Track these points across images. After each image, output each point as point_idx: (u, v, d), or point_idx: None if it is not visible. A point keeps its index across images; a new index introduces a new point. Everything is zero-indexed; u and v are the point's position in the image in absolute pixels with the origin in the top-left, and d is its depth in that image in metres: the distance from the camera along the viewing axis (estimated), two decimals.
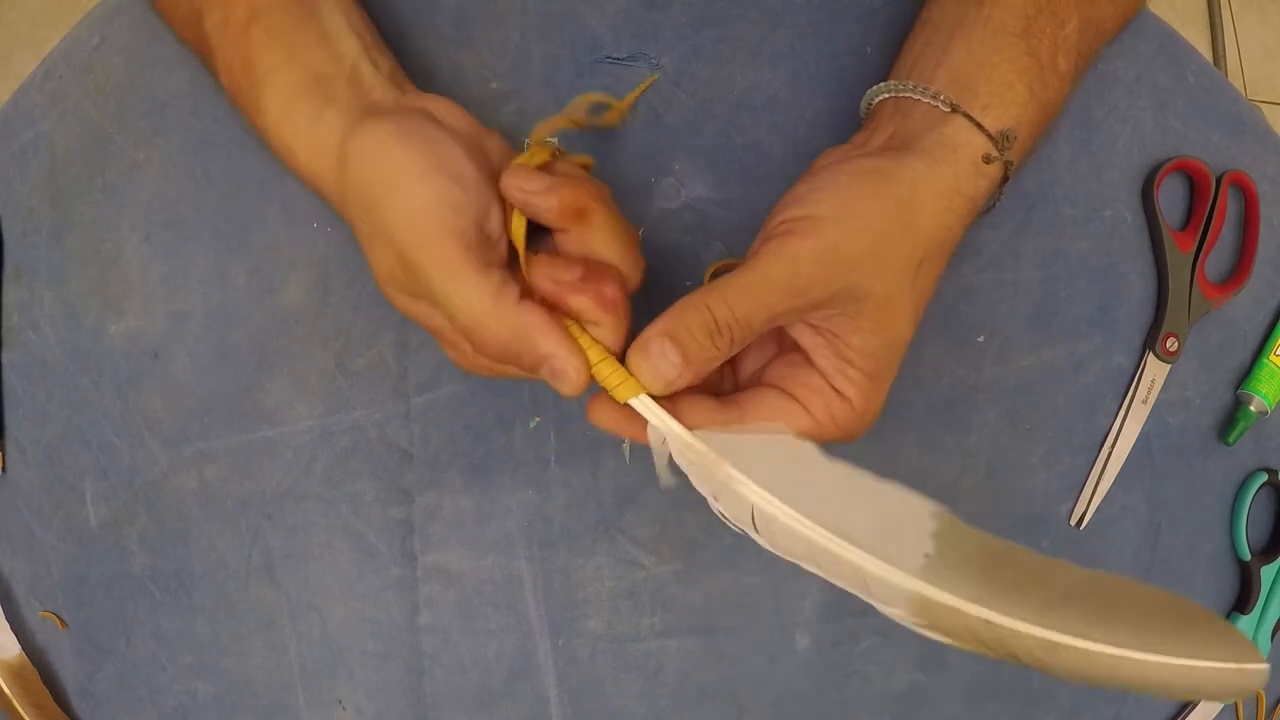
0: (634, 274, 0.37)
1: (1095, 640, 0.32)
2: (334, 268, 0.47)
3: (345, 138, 0.36)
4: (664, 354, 0.34)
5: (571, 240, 0.36)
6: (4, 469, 0.48)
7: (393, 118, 0.36)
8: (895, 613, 0.34)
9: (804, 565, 0.35)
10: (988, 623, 0.33)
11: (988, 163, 0.38)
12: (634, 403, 0.35)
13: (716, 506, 0.36)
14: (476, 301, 0.34)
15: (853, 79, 0.48)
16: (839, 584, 0.34)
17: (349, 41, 0.40)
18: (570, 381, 0.34)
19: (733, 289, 0.35)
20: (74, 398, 0.48)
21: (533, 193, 0.35)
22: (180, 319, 0.47)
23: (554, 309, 0.35)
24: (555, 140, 0.40)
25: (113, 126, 0.48)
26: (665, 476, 0.36)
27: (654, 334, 0.34)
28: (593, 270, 0.35)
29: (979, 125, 0.38)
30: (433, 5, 0.48)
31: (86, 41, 0.49)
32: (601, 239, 0.36)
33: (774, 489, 0.34)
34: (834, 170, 0.37)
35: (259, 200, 0.47)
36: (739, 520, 0.35)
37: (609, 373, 0.35)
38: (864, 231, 0.35)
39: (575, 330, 0.35)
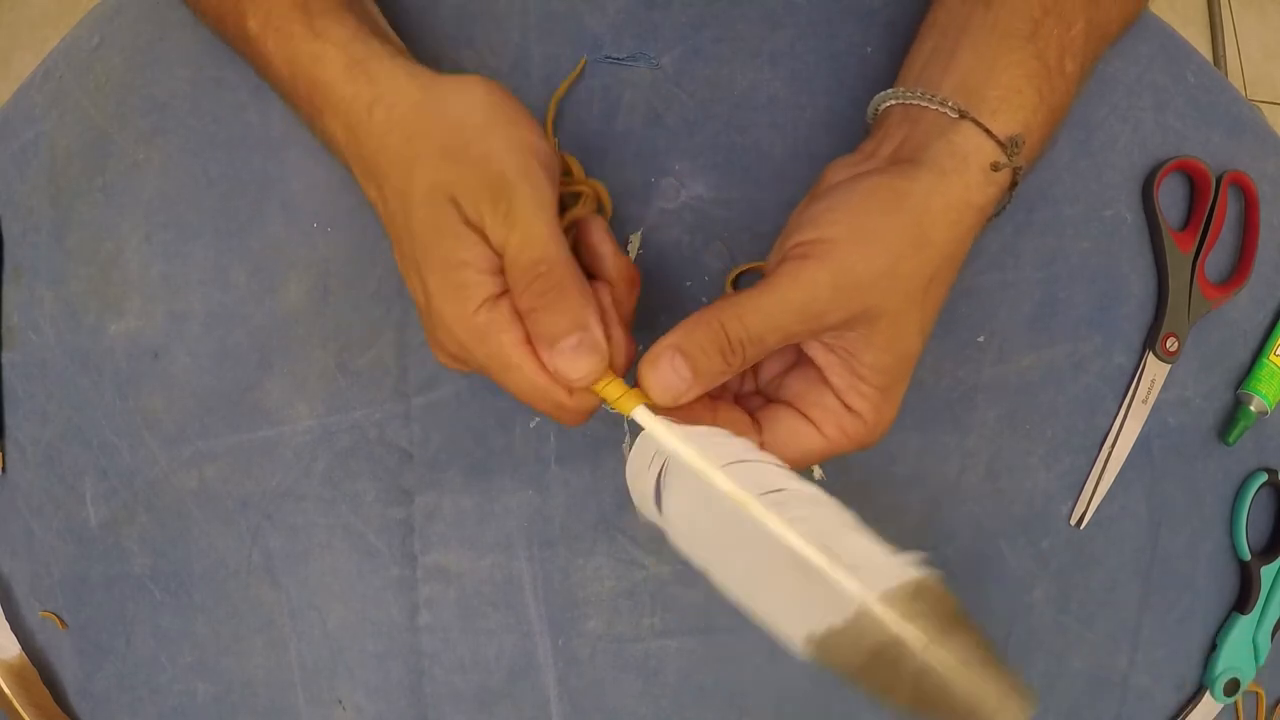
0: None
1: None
2: (334, 268, 0.47)
3: (441, 76, 0.38)
4: (674, 368, 0.35)
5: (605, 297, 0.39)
6: (4, 469, 0.48)
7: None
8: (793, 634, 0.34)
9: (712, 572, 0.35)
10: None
11: (996, 170, 0.38)
12: (636, 414, 0.36)
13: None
14: (545, 235, 0.35)
15: (853, 79, 0.48)
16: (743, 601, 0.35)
17: (392, 34, 0.43)
18: (585, 366, 0.35)
19: (749, 309, 0.35)
20: (74, 398, 0.48)
21: (610, 245, 0.39)
22: (180, 319, 0.47)
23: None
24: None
25: (113, 126, 0.48)
26: (638, 500, 0.36)
27: (665, 347, 0.35)
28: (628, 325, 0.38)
29: (987, 131, 0.38)
30: (433, 5, 0.48)
31: (86, 41, 0.49)
32: (628, 306, 0.39)
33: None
34: (847, 188, 0.37)
35: (259, 200, 0.47)
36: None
37: (604, 385, 0.36)
38: (878, 252, 0.35)
39: None
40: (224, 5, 0.43)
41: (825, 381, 0.38)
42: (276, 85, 0.42)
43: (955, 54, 0.40)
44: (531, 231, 0.35)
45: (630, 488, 0.36)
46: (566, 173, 0.45)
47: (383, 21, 0.44)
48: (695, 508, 0.35)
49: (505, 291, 0.36)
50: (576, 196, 0.45)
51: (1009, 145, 0.38)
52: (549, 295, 0.35)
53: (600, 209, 0.46)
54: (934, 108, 0.38)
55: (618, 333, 0.37)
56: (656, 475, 0.35)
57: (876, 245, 0.35)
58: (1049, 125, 0.40)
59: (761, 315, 0.35)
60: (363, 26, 0.39)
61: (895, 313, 0.36)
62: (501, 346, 0.35)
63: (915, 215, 0.36)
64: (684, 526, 0.35)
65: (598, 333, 0.35)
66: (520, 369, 0.35)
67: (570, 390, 0.36)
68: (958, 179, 0.37)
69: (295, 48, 0.39)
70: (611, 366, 0.36)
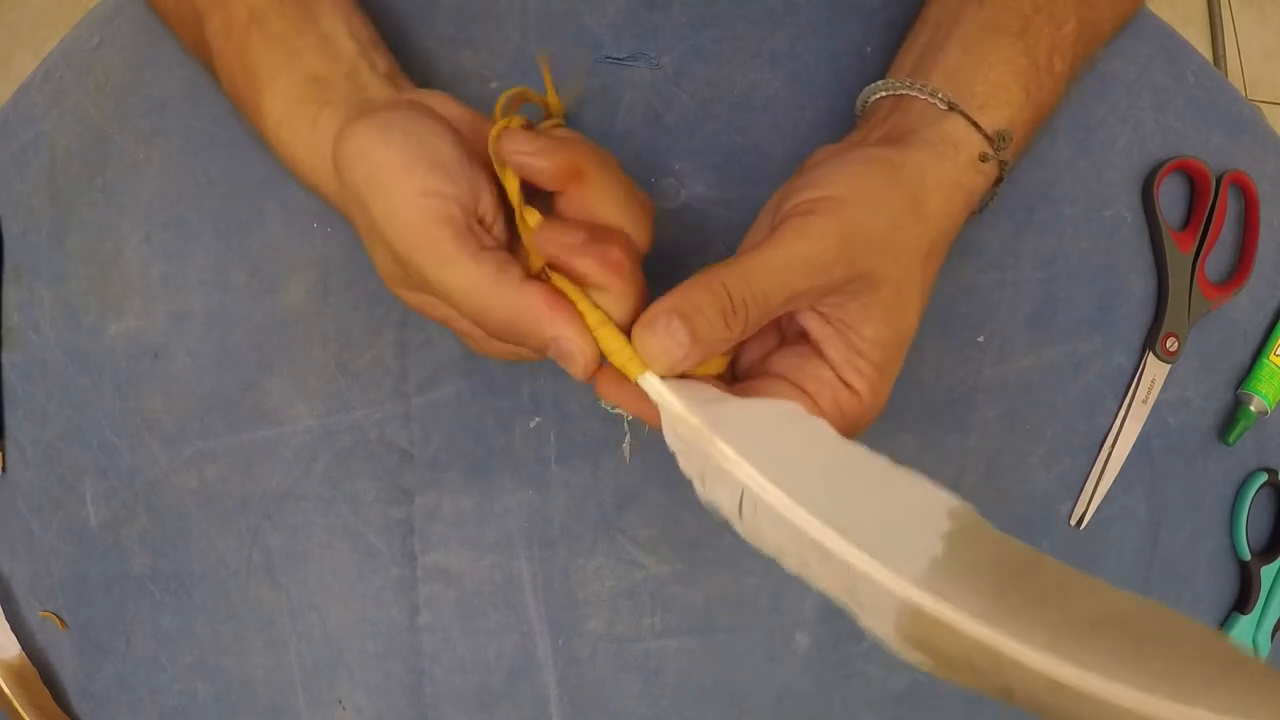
0: (641, 237, 0.35)
1: (1117, 681, 0.26)
2: (334, 268, 0.47)
3: (335, 141, 0.36)
4: (671, 332, 0.32)
5: (571, 205, 0.35)
6: (4, 469, 0.48)
7: (375, 116, 0.35)
8: (881, 628, 0.30)
9: (789, 564, 0.32)
10: (987, 648, 0.28)
11: (984, 161, 0.38)
12: (641, 381, 0.33)
13: (701, 491, 0.33)
14: (476, 286, 0.33)
15: (853, 79, 0.48)
16: (824, 589, 0.31)
17: (347, 42, 0.41)
18: (578, 363, 0.33)
19: (753, 266, 0.33)
20: (74, 398, 0.48)
21: (527, 153, 0.34)
22: (180, 319, 0.47)
23: (559, 292, 0.34)
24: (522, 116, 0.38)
25: (113, 126, 0.48)
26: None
27: (662, 310, 0.32)
28: (597, 233, 0.34)
29: (975, 125, 0.38)
30: (433, 5, 0.48)
31: (86, 41, 0.49)
32: (602, 201, 0.34)
33: (769, 469, 0.31)
34: (840, 158, 0.37)
35: (259, 200, 0.47)
36: (725, 508, 0.33)
37: (617, 348, 0.33)
38: (880, 215, 0.35)
39: (584, 305, 0.34)
40: (198, 51, 0.44)
41: (820, 355, 0.36)
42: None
43: (945, 48, 0.40)
44: (450, 293, 0.34)
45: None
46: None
47: (335, 31, 0.41)
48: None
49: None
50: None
51: (996, 140, 0.38)
52: (505, 332, 0.34)
53: (532, 121, 0.37)
54: (923, 98, 0.39)
55: (576, 261, 0.33)
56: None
57: (878, 208, 0.35)
58: (1034, 123, 0.40)
59: (766, 271, 0.33)
60: (288, 91, 0.39)
61: (896, 283, 0.35)
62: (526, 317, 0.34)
63: (911, 187, 0.36)
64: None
65: (568, 334, 0.33)
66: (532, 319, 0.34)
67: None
68: (949, 162, 0.37)
69: (251, 117, 0.40)
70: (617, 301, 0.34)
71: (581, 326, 0.33)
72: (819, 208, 0.34)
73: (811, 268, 0.33)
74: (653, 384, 0.33)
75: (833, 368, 0.36)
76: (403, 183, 0.33)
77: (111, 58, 0.49)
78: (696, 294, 0.32)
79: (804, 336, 0.37)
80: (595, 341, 0.33)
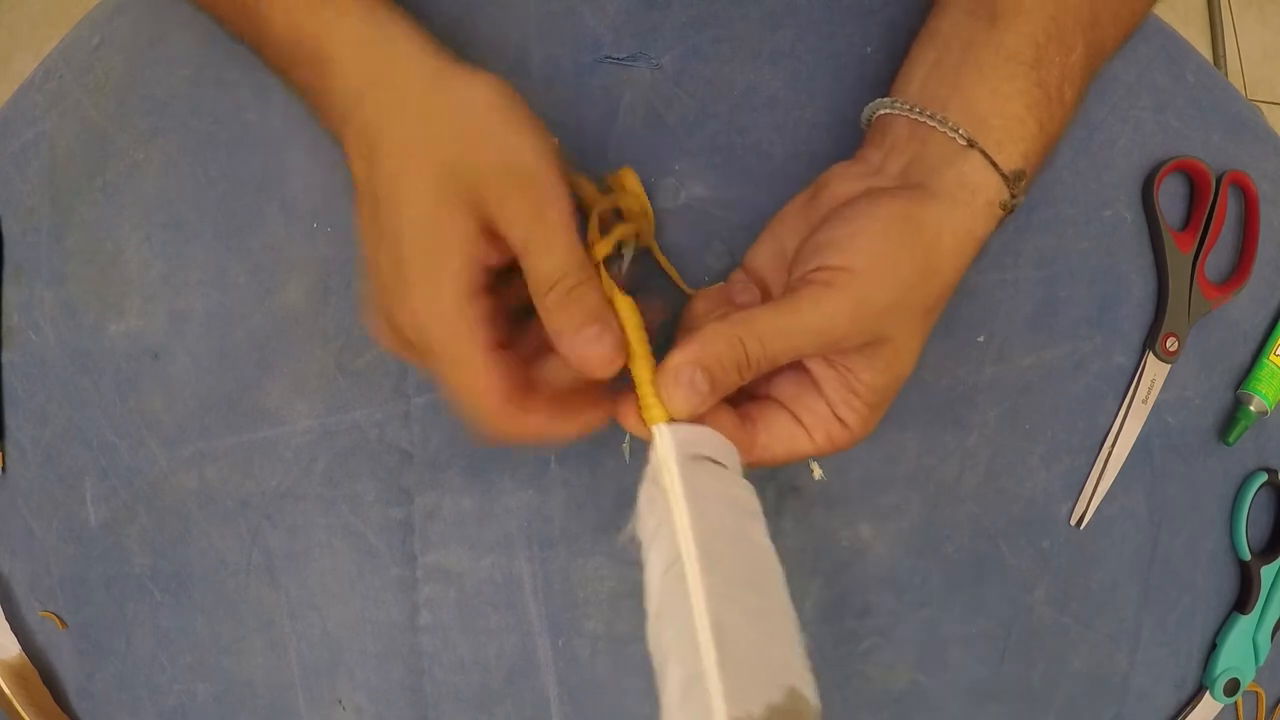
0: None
1: None
2: (334, 268, 0.47)
3: (452, 69, 0.37)
4: (694, 384, 0.35)
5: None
6: (4, 469, 0.48)
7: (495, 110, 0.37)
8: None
9: (652, 639, 0.34)
10: None
11: (1004, 209, 0.39)
12: (656, 429, 0.36)
13: (637, 534, 0.36)
14: (577, 239, 0.36)
15: (853, 79, 0.48)
16: (664, 671, 0.34)
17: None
18: (606, 348, 0.36)
19: (767, 328, 0.36)
20: (74, 398, 0.48)
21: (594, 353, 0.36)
22: (180, 319, 0.47)
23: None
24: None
25: (113, 126, 0.48)
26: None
27: (686, 361, 0.35)
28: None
29: (995, 165, 0.38)
30: (433, 5, 0.48)
31: (86, 41, 0.49)
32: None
33: (702, 550, 0.34)
34: (867, 214, 0.37)
35: (259, 200, 0.47)
36: (651, 565, 0.35)
37: (649, 391, 0.36)
38: (893, 282, 0.36)
39: (636, 341, 0.37)
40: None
41: (818, 389, 0.39)
42: (272, 49, 0.41)
43: (960, 72, 0.40)
44: (559, 231, 0.36)
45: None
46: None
47: None
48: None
49: (486, 287, 0.36)
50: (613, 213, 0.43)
51: (1013, 179, 0.38)
52: (574, 293, 0.36)
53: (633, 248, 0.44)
54: (943, 131, 0.39)
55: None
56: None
57: (891, 275, 0.37)
58: (1045, 154, 0.41)
59: (781, 337, 0.36)
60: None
61: (899, 339, 0.37)
62: (464, 342, 0.35)
63: (927, 247, 0.37)
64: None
65: (616, 325, 0.36)
66: (473, 367, 0.35)
67: (526, 408, 0.36)
68: (966, 211, 0.38)
69: (300, 13, 0.39)
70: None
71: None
72: (836, 280, 0.36)
73: (820, 340, 0.36)
74: (664, 438, 0.36)
75: (829, 404, 0.38)
76: (546, 131, 0.37)
77: (111, 58, 0.49)
78: (718, 347, 0.36)
79: (804, 366, 0.39)
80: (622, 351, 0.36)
